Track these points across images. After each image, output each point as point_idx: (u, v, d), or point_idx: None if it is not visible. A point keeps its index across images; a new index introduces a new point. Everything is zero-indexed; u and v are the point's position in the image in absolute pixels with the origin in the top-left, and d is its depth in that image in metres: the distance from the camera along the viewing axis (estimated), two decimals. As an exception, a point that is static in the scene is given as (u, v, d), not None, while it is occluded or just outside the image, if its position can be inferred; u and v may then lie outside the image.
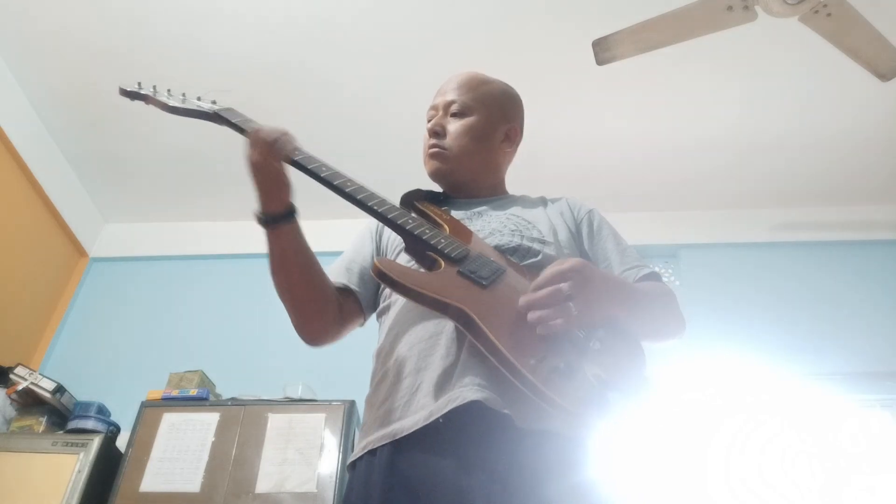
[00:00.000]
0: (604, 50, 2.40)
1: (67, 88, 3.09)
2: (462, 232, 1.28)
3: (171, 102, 1.39)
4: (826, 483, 2.65)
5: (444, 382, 1.08)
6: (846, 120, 3.09)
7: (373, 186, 1.26)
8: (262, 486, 2.30)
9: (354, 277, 1.37)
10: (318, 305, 1.30)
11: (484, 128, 1.44)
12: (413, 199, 1.39)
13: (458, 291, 1.09)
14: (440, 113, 1.46)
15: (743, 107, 3.07)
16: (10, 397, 2.72)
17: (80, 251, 3.55)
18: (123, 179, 3.50)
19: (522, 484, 1.00)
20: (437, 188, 1.47)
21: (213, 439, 2.42)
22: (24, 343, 3.16)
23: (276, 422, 2.46)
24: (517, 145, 1.53)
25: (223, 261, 3.49)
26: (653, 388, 1.09)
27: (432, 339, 1.15)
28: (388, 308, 1.31)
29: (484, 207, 1.41)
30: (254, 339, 3.10)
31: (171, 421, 2.48)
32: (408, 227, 1.21)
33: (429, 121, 1.47)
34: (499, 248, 1.27)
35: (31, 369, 2.80)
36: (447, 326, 1.13)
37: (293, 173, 1.24)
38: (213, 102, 1.40)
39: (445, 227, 1.29)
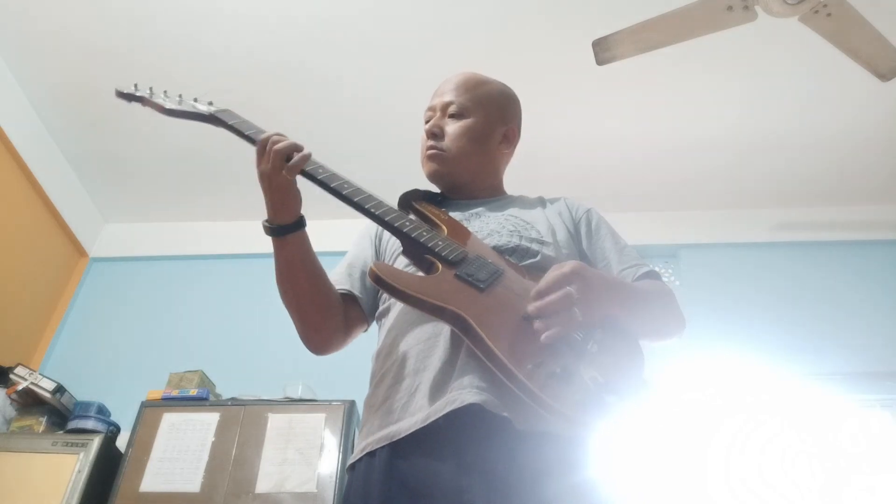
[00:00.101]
0: (604, 50, 2.39)
1: (67, 88, 3.09)
2: (460, 233, 1.28)
3: (168, 105, 1.38)
4: (826, 483, 2.65)
5: (442, 384, 1.08)
6: (846, 120, 3.09)
7: (371, 188, 1.26)
8: (262, 486, 2.30)
9: (357, 283, 1.37)
10: (324, 315, 1.30)
11: (482, 129, 1.44)
12: (411, 200, 1.39)
13: (455, 295, 1.09)
14: (438, 114, 1.46)
15: (743, 107, 3.07)
16: (10, 397, 2.72)
17: (80, 251, 3.55)
18: (123, 179, 3.50)
19: (521, 485, 1.00)
20: (434, 189, 1.47)
21: (213, 439, 2.42)
22: (24, 343, 3.16)
23: (276, 422, 2.46)
24: (515, 146, 1.53)
25: (223, 261, 3.49)
26: (651, 389, 1.09)
27: (431, 340, 1.15)
28: (387, 310, 1.31)
29: (482, 208, 1.41)
30: (254, 339, 3.10)
31: (171, 421, 2.48)
32: (405, 230, 1.21)
33: (426, 122, 1.47)
34: (497, 249, 1.27)
35: (31, 369, 2.80)
36: (446, 328, 1.13)
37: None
38: (210, 104, 1.40)
39: (444, 227, 1.28)
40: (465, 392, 1.04)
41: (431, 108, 1.48)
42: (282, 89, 3.03)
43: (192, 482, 2.32)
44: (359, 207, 1.23)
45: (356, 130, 3.17)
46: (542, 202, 1.47)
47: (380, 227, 1.34)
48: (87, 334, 3.31)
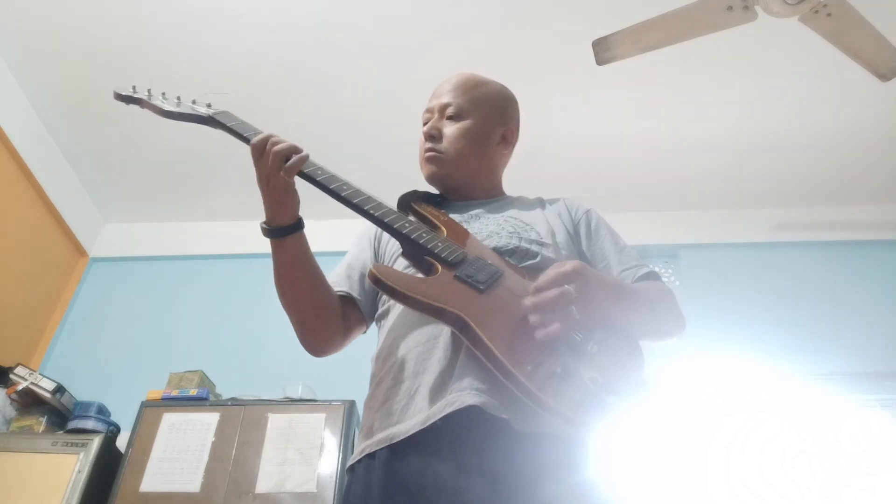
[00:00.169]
0: (604, 50, 2.39)
1: (67, 88, 3.09)
2: (460, 234, 1.28)
3: (166, 107, 1.38)
4: (826, 483, 2.65)
5: (441, 386, 1.08)
6: (846, 120, 3.09)
7: (370, 189, 1.26)
8: (262, 486, 2.30)
9: (356, 285, 1.37)
10: (323, 317, 1.30)
11: (480, 130, 1.44)
12: (410, 201, 1.39)
13: (455, 296, 1.09)
14: (436, 116, 1.45)
15: (743, 107, 3.07)
16: (10, 397, 2.72)
17: (80, 251, 3.55)
18: (123, 179, 3.50)
19: (520, 486, 1.00)
20: (433, 190, 1.47)
21: (213, 439, 2.42)
22: (24, 343, 3.16)
23: (276, 422, 2.46)
24: (514, 146, 1.53)
25: (223, 261, 3.49)
26: (651, 389, 1.09)
27: (430, 342, 1.15)
28: (387, 312, 1.31)
29: (481, 210, 1.41)
30: (254, 339, 3.10)
31: (171, 421, 2.48)
32: (404, 232, 1.21)
33: (424, 124, 1.47)
34: (497, 250, 1.26)
35: (31, 369, 2.80)
36: (445, 329, 1.13)
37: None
38: (209, 106, 1.40)
39: (443, 229, 1.28)
40: (464, 394, 1.04)
41: (429, 110, 1.47)
42: (282, 89, 3.03)
43: (192, 482, 2.32)
44: (358, 209, 1.22)
45: (356, 131, 3.17)
46: (541, 203, 1.47)
47: (379, 229, 1.34)
48: (87, 334, 3.31)
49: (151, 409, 2.53)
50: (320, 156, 1.28)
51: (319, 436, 2.41)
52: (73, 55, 2.95)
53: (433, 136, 1.43)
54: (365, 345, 1.40)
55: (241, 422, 2.46)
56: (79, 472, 2.37)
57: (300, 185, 1.24)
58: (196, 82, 2.92)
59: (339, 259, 1.46)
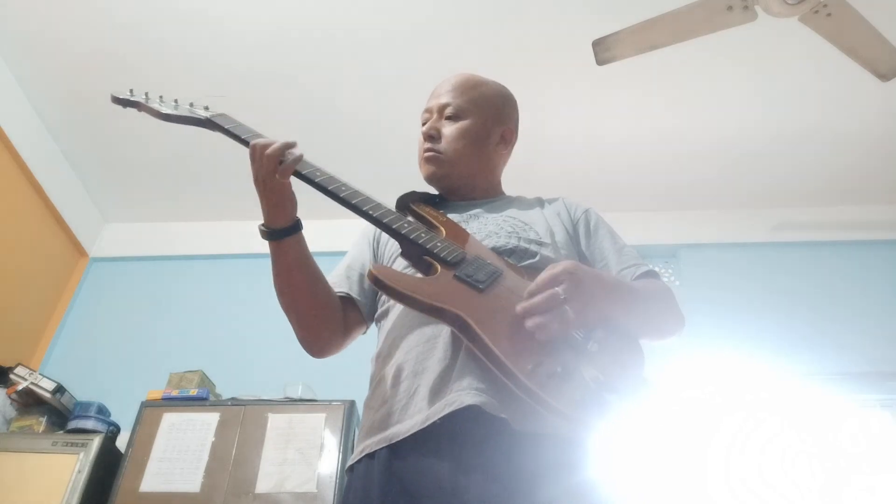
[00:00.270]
0: (604, 50, 2.39)
1: (68, 89, 3.09)
2: (459, 234, 1.28)
3: (164, 109, 1.38)
4: (826, 483, 2.65)
5: (441, 386, 1.08)
6: (846, 120, 3.09)
7: (369, 190, 1.26)
8: (262, 486, 2.30)
9: (355, 285, 1.37)
10: (323, 318, 1.30)
11: (479, 130, 1.44)
12: (409, 202, 1.39)
13: (455, 296, 1.09)
14: (434, 116, 1.45)
15: (743, 107, 3.07)
16: (10, 397, 2.72)
17: (80, 251, 3.55)
18: (123, 179, 3.50)
19: (520, 486, 1.00)
20: (432, 191, 1.47)
21: (213, 439, 2.42)
22: (24, 343, 3.16)
23: (276, 422, 2.46)
24: (512, 146, 1.53)
25: (223, 261, 3.49)
26: (652, 387, 1.09)
27: (430, 342, 1.15)
28: (386, 312, 1.31)
29: (480, 209, 1.41)
30: (254, 339, 3.10)
31: (171, 421, 2.48)
32: (403, 232, 1.20)
33: (423, 124, 1.47)
34: (496, 250, 1.26)
35: (31, 369, 2.80)
36: (445, 329, 1.13)
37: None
38: (206, 108, 1.40)
39: (442, 229, 1.28)
40: (463, 394, 1.04)
41: (428, 110, 1.47)
42: (282, 88, 3.02)
43: (192, 482, 2.32)
44: (356, 209, 1.22)
45: (355, 130, 3.17)
46: (540, 202, 1.47)
47: (378, 230, 1.34)
48: (87, 334, 3.31)
49: (151, 409, 2.53)
50: (319, 157, 1.28)
51: (319, 436, 2.41)
52: (74, 56, 2.95)
53: (432, 137, 1.43)
54: (365, 345, 1.40)
55: (241, 422, 2.46)
56: (79, 472, 2.37)
57: (299, 186, 1.24)
58: (196, 82, 2.92)
59: (338, 259, 1.46)
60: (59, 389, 2.70)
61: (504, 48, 2.83)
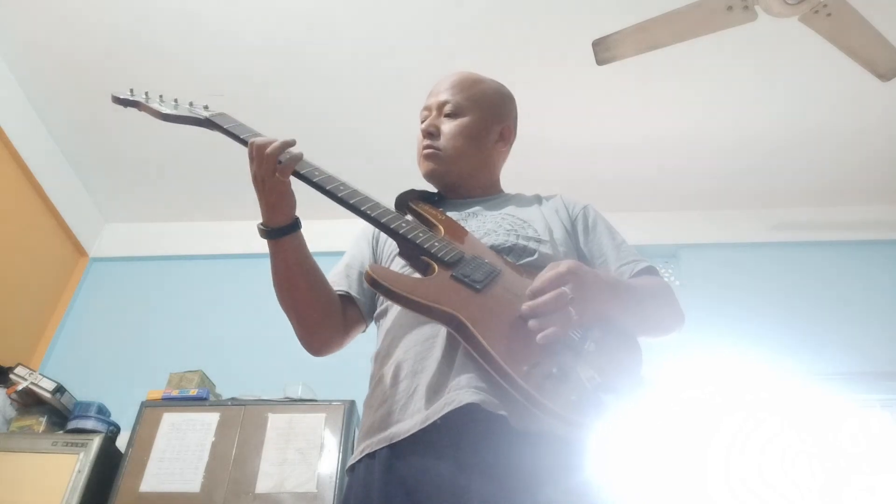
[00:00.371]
0: (604, 50, 2.39)
1: (67, 89, 3.09)
2: (457, 233, 1.28)
3: (164, 109, 1.38)
4: (826, 483, 2.65)
5: (440, 385, 1.08)
6: (846, 120, 3.09)
7: (368, 189, 1.25)
8: (262, 486, 2.30)
9: (354, 284, 1.37)
10: (322, 317, 1.30)
11: (478, 128, 1.44)
12: (408, 200, 1.39)
13: (451, 296, 1.09)
14: (433, 113, 1.45)
15: (743, 107, 3.07)
16: (10, 397, 2.72)
17: (80, 251, 3.55)
18: (123, 179, 3.50)
19: (519, 485, 1.00)
20: (431, 188, 1.47)
21: (213, 439, 2.42)
22: (24, 343, 3.16)
23: (276, 422, 2.46)
24: (511, 144, 1.53)
25: (223, 261, 3.49)
26: (649, 387, 1.09)
27: (429, 341, 1.15)
28: (385, 311, 1.31)
29: (479, 207, 1.41)
30: (254, 339, 3.10)
31: (171, 421, 2.48)
32: (401, 232, 1.20)
33: (422, 121, 1.47)
34: (495, 248, 1.26)
35: (31, 369, 2.80)
36: (443, 329, 1.13)
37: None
38: (206, 108, 1.40)
39: (441, 227, 1.28)
40: (462, 392, 1.04)
41: (427, 108, 1.48)
42: (284, 79, 3.02)
43: (192, 482, 2.32)
44: (355, 209, 1.22)
45: (355, 130, 3.17)
46: (538, 199, 1.47)
47: (377, 229, 1.34)
48: (87, 334, 3.31)
49: (151, 409, 2.53)
50: (319, 155, 1.28)
51: (319, 436, 2.41)
52: (74, 55, 2.95)
53: (431, 134, 1.43)
54: (365, 345, 1.40)
55: (241, 422, 2.46)
56: (79, 472, 2.37)
57: (298, 186, 1.24)
58: (196, 82, 2.92)
59: (337, 259, 1.46)
60: (59, 389, 2.70)
61: (504, 48, 2.83)
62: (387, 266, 1.32)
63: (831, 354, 2.94)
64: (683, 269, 3.35)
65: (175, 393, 2.60)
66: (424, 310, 1.08)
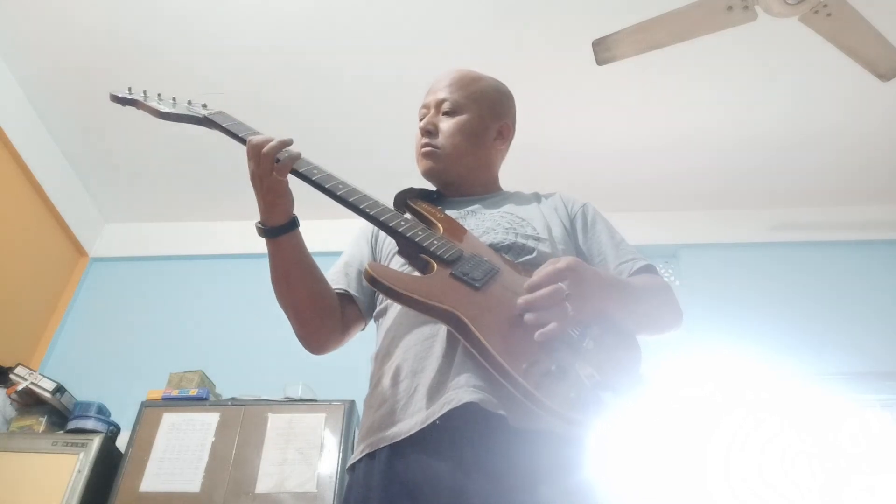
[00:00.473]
0: (604, 50, 2.39)
1: (67, 89, 3.09)
2: (456, 231, 1.28)
3: (162, 108, 1.38)
4: (826, 483, 2.65)
5: (440, 385, 1.08)
6: (846, 120, 3.09)
7: (367, 187, 1.25)
8: (262, 486, 2.30)
9: (353, 282, 1.37)
10: (321, 315, 1.30)
11: (476, 126, 1.44)
12: (407, 199, 1.39)
13: (450, 294, 1.09)
14: (432, 111, 1.45)
15: (743, 107, 3.07)
16: (10, 397, 2.72)
17: (80, 251, 3.55)
18: (123, 179, 3.50)
19: (519, 484, 1.00)
20: (430, 186, 1.47)
21: (213, 439, 2.43)
22: (24, 343, 3.16)
23: (276, 422, 2.46)
24: (510, 142, 1.53)
25: (223, 261, 3.49)
26: (648, 385, 1.09)
27: (428, 340, 1.15)
28: (384, 311, 1.31)
29: (478, 205, 1.41)
30: (254, 339, 3.09)
31: (171, 421, 2.48)
32: (400, 230, 1.20)
33: (420, 119, 1.47)
34: (493, 247, 1.26)
35: (31, 369, 2.80)
36: (443, 328, 1.13)
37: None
38: (204, 106, 1.39)
39: (439, 226, 1.28)
40: (461, 391, 1.04)
41: (425, 106, 1.47)
42: (285, 81, 3.02)
43: (192, 482, 2.32)
44: (354, 208, 1.22)
45: (355, 129, 3.17)
46: (537, 198, 1.47)
47: (376, 227, 1.34)
48: (87, 334, 3.31)
49: (151, 409, 2.53)
50: (318, 154, 1.28)
51: (319, 436, 2.41)
52: (74, 56, 2.95)
53: (429, 132, 1.43)
54: (364, 344, 1.40)
55: (241, 422, 2.46)
56: (79, 472, 2.37)
57: (297, 185, 1.24)
58: (196, 81, 2.92)
59: (336, 259, 1.46)
60: (59, 389, 2.71)
61: (504, 48, 2.83)
62: (386, 264, 1.32)
63: (831, 354, 2.94)
64: (683, 269, 3.35)
65: (175, 393, 2.60)
66: (424, 308, 1.08)
